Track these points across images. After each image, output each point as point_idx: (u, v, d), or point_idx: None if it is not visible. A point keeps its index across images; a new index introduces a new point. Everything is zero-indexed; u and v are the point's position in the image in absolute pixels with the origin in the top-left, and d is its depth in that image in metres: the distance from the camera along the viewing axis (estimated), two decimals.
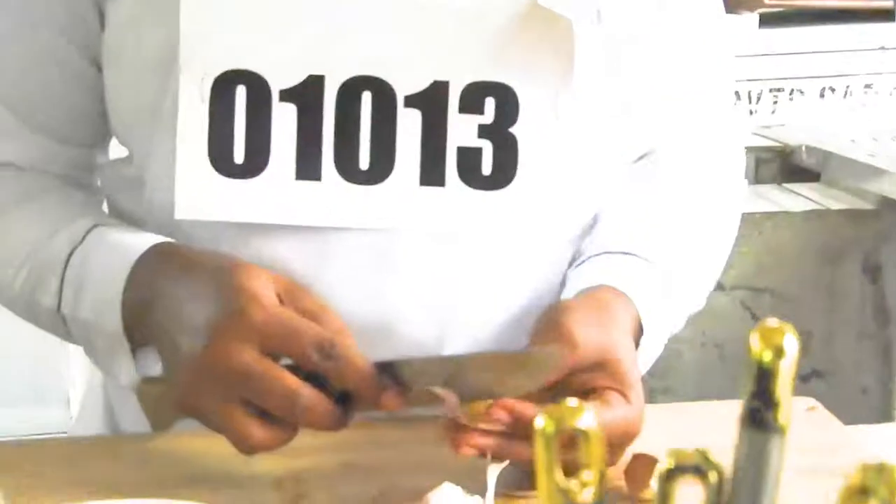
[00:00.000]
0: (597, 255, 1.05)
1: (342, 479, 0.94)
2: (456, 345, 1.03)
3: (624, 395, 0.91)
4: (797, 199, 2.26)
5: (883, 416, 2.16)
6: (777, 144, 2.42)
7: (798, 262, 2.13)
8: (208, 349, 0.87)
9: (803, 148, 2.37)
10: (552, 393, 0.88)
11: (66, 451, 1.01)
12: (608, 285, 0.99)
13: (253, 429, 0.86)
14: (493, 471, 0.87)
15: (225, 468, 0.92)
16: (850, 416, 2.20)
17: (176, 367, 0.90)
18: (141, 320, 0.94)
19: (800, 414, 1.04)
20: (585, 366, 0.91)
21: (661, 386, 2.08)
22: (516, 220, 1.01)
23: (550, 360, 0.88)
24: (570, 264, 1.07)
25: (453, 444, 0.86)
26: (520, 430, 0.85)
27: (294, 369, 0.86)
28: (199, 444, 0.95)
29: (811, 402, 1.09)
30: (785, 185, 2.35)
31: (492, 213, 1.00)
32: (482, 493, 0.85)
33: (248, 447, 0.87)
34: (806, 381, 2.11)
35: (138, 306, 0.94)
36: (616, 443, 0.89)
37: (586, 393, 0.90)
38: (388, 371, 0.86)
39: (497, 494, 0.87)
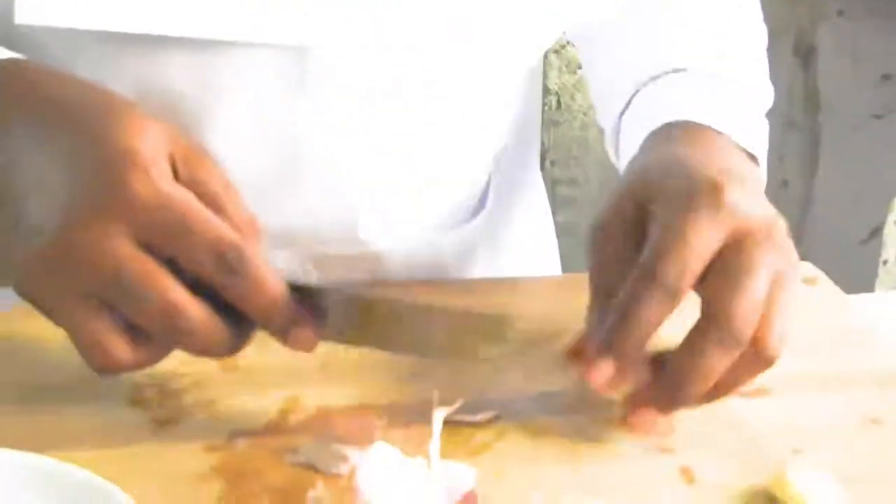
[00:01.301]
0: (645, 82, 0.88)
1: (233, 386, 0.72)
2: (377, 196, 0.81)
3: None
4: None
5: (801, 209, 1.99)
6: None
7: None
8: (65, 231, 0.62)
9: None
10: None
11: None
12: (707, 128, 0.79)
13: (113, 343, 0.63)
14: (439, 416, 0.65)
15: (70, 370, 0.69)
16: None
17: (16, 242, 0.64)
18: None
19: None
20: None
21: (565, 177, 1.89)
22: (464, 31, 0.79)
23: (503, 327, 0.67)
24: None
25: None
26: None
27: (176, 265, 0.62)
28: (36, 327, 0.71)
29: (811, 268, 0.88)
30: None
31: (429, 24, 0.77)
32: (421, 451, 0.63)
33: (102, 364, 0.64)
34: None
35: None
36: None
37: None
38: (304, 297, 0.65)
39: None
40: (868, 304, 0.89)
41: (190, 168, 0.64)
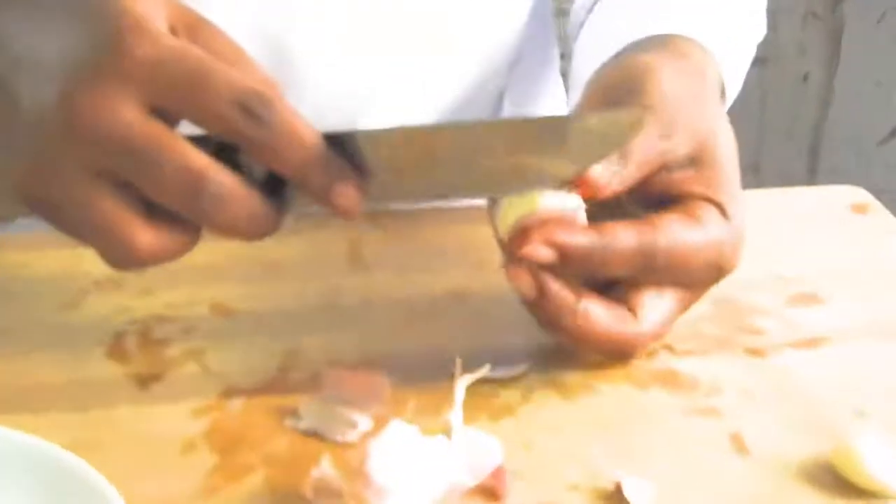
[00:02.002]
0: None
1: (227, 333, 0.64)
2: (379, 105, 0.73)
3: (721, 207, 0.62)
4: None
5: (822, 105, 1.90)
6: None
7: None
8: (65, 105, 0.53)
9: None
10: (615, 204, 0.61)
11: None
12: (678, 34, 0.69)
13: (133, 227, 0.54)
14: (462, 385, 0.58)
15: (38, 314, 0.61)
16: (787, 104, 1.98)
17: (13, 132, 0.56)
18: None
19: (842, 209, 0.77)
20: (676, 159, 0.62)
21: None
22: None
23: (621, 128, 0.58)
24: None
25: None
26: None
27: (197, 143, 0.54)
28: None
29: (861, 193, 0.80)
30: None
31: None
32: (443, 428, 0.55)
33: (124, 256, 0.55)
34: None
35: None
36: (704, 277, 0.62)
37: (664, 203, 0.62)
38: (341, 147, 0.55)
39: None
40: None
41: (192, 31, 0.55)
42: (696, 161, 0.62)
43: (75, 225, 0.55)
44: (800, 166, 1.95)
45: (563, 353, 0.63)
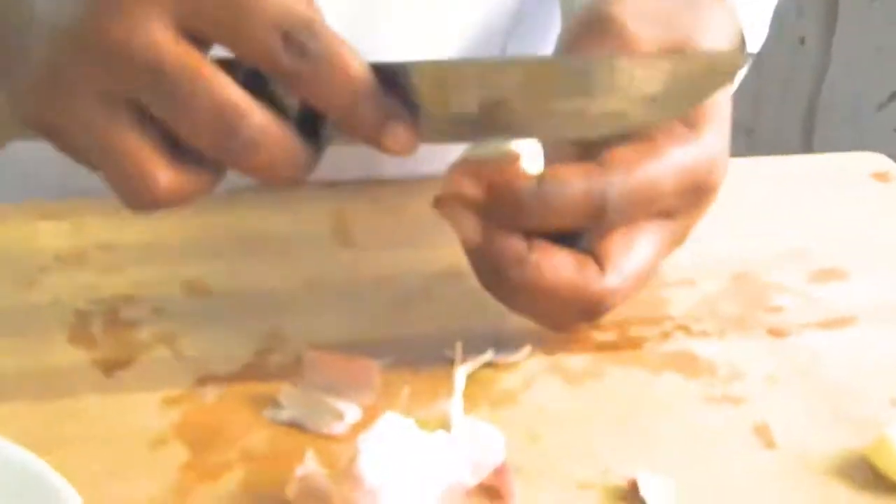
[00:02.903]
0: None
1: (202, 315, 0.58)
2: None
3: (686, 121, 0.56)
4: None
5: (819, 69, 1.85)
6: None
7: None
8: (89, 16, 0.48)
9: None
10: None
11: None
12: None
13: (154, 163, 0.49)
14: (462, 373, 0.53)
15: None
16: (784, 68, 1.92)
17: (23, 50, 0.50)
18: None
19: (862, 178, 0.72)
20: None
21: None
22: None
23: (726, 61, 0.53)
24: None
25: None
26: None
27: (225, 69, 0.49)
28: None
29: (881, 160, 0.75)
30: None
31: None
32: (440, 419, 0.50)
33: (140, 195, 0.49)
34: None
35: None
36: (681, 205, 0.56)
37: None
38: (392, 82, 0.50)
39: None
40: None
41: None
42: None
43: (87, 153, 0.50)
44: (795, 130, 1.89)
45: (567, 334, 0.58)
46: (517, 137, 0.53)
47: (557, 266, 0.53)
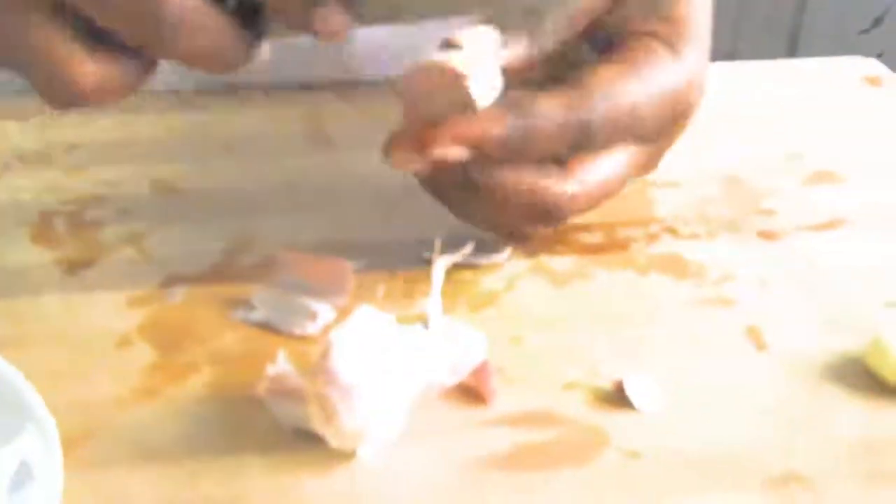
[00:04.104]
0: None
1: (169, 214, 0.56)
2: None
3: (668, 43, 0.54)
4: None
5: (789, 52, 1.83)
6: None
7: None
8: None
9: None
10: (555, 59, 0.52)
11: None
12: None
13: (75, 57, 0.45)
14: (441, 267, 0.50)
15: None
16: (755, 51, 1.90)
17: None
18: None
19: (854, 82, 0.70)
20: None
21: None
22: None
23: None
24: None
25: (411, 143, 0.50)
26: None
27: None
28: None
29: (872, 64, 0.72)
30: None
31: None
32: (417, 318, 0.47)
33: (63, 91, 0.46)
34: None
35: None
36: (659, 128, 0.53)
37: (612, 45, 0.54)
38: None
39: None
40: None
41: None
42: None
43: (6, 53, 0.47)
44: (779, 56, 1.87)
45: (551, 234, 0.55)
46: (453, 15, 0.50)
47: (519, 167, 0.51)
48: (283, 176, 0.59)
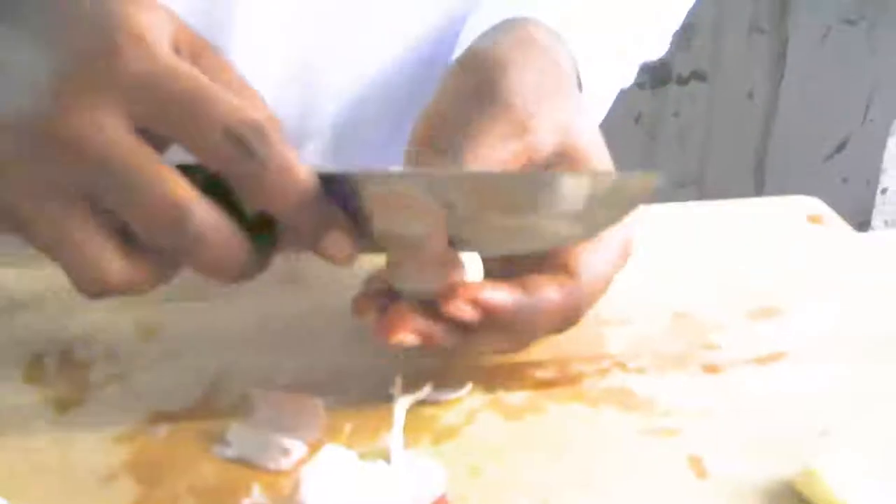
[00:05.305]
0: None
1: (153, 357, 0.60)
2: (324, 101, 0.73)
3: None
4: None
5: (766, 123, 1.89)
6: None
7: None
8: (47, 110, 0.49)
9: None
10: None
11: None
12: (535, 21, 0.65)
13: (105, 254, 0.50)
14: (402, 406, 0.54)
15: None
16: (730, 122, 1.96)
17: None
18: None
19: (798, 220, 0.74)
20: (541, 156, 0.59)
21: None
22: None
23: (631, 191, 0.53)
24: None
25: (385, 325, 0.54)
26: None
27: (186, 173, 0.50)
28: None
29: (816, 204, 0.77)
30: None
31: None
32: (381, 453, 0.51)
33: (93, 283, 0.51)
34: (684, 83, 1.80)
35: None
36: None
37: None
38: (336, 188, 0.51)
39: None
40: (885, 244, 0.78)
41: (197, 57, 0.52)
42: (563, 155, 0.58)
43: (44, 241, 0.51)
44: (746, 183, 1.93)
45: (507, 372, 0.59)
46: (461, 250, 0.55)
47: (547, 297, 0.56)
48: (256, 315, 0.64)
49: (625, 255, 0.60)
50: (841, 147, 1.90)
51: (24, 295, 0.65)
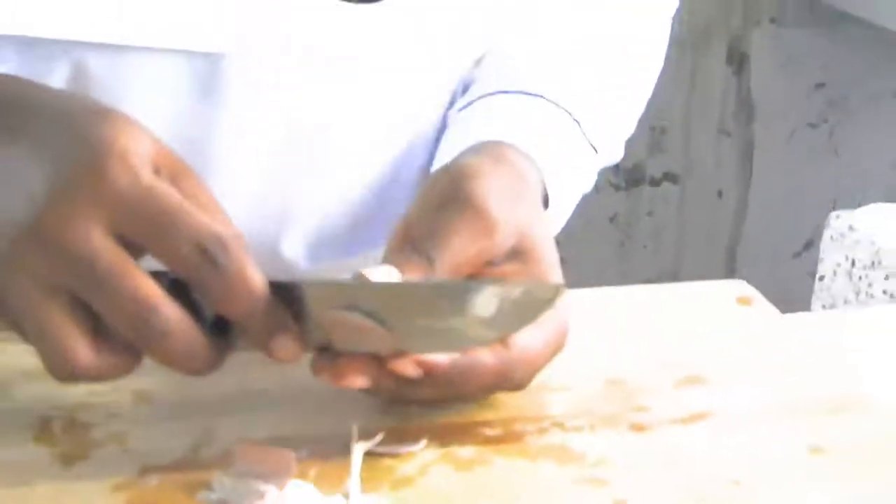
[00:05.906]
0: (490, 94, 0.80)
1: (147, 417, 0.68)
2: (300, 211, 0.78)
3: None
4: None
5: (736, 221, 1.98)
6: None
7: None
8: (36, 218, 0.58)
9: None
10: None
11: None
12: (507, 143, 0.74)
13: (78, 345, 0.59)
14: (359, 451, 0.62)
15: None
16: (704, 219, 2.05)
17: None
18: None
19: (728, 302, 0.82)
20: (500, 253, 0.68)
21: None
22: (387, 38, 0.78)
23: (540, 300, 0.63)
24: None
25: (337, 372, 0.63)
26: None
27: (156, 276, 0.59)
28: None
29: (744, 287, 0.86)
30: None
31: (357, 30, 0.76)
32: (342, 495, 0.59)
33: (64, 370, 0.60)
34: (656, 184, 1.90)
35: None
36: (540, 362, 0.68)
37: None
38: (285, 296, 0.60)
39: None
40: (806, 324, 0.87)
41: (175, 178, 0.60)
42: (519, 254, 0.68)
43: (21, 325, 0.60)
44: (718, 278, 2.01)
45: (459, 429, 0.68)
46: (399, 348, 0.63)
47: (480, 360, 0.65)
48: (239, 384, 0.72)
49: (559, 336, 0.68)
50: (808, 245, 1.99)
51: (30, 366, 0.73)
